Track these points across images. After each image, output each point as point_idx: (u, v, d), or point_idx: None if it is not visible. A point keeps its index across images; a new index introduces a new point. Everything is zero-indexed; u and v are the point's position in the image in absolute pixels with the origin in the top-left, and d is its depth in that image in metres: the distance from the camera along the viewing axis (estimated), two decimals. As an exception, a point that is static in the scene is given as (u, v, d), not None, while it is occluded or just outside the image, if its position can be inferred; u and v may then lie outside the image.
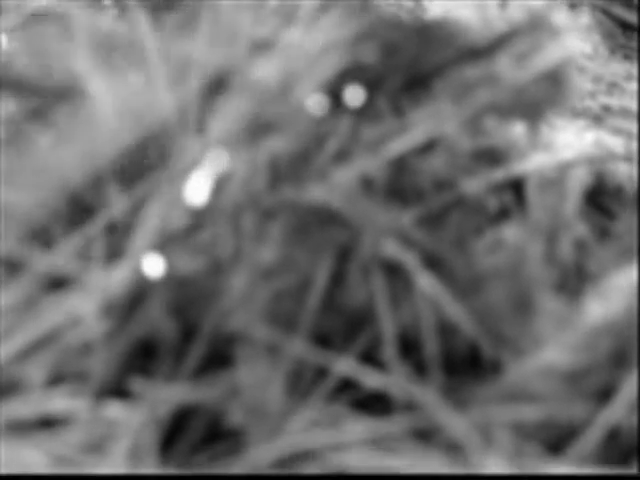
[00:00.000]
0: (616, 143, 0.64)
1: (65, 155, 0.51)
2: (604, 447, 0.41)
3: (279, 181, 0.40)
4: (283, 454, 0.39)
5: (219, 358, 0.42)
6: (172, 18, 0.53)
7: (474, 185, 0.46)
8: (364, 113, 0.41)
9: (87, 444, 0.36)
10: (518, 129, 0.47)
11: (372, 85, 0.40)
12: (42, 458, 0.36)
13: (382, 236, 0.42)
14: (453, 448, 0.39)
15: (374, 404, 0.42)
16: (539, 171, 0.50)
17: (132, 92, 0.51)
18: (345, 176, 0.41)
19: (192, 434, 0.41)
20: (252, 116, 0.37)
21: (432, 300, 0.41)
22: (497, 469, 0.38)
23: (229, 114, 0.38)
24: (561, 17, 0.44)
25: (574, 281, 0.49)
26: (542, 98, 0.42)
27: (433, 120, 0.41)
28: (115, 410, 0.38)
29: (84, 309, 0.41)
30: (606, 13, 0.80)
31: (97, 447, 0.36)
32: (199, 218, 0.39)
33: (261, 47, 0.50)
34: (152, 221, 0.42)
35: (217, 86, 0.51)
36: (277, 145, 0.38)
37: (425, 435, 0.39)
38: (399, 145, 0.42)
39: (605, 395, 0.42)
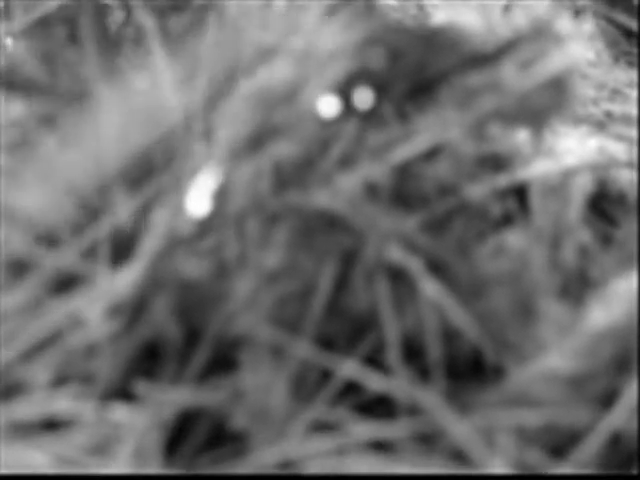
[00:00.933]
0: (619, 150, 0.64)
1: (72, 158, 0.51)
2: (606, 452, 0.41)
3: (284, 186, 0.40)
4: (286, 457, 0.39)
5: (223, 361, 0.42)
6: (179, 23, 0.53)
7: (478, 191, 0.46)
8: (369, 119, 0.41)
9: (91, 446, 0.36)
10: (521, 136, 0.47)
11: (378, 91, 0.40)
12: (46, 460, 0.36)
13: (386, 241, 0.42)
14: (456, 452, 0.39)
15: (377, 408, 0.42)
16: (542, 177, 0.50)
17: (139, 96, 0.52)
18: (350, 181, 0.41)
19: (196, 437, 0.41)
20: (258, 121, 0.37)
21: (436, 305, 0.41)
22: (499, 473, 0.38)
23: (235, 119, 0.38)
24: (565, 24, 0.44)
25: (577, 287, 0.48)
26: (546, 105, 0.42)
27: (438, 127, 0.41)
28: (120, 412, 0.38)
29: (90, 311, 0.41)
30: (609, 20, 0.80)
31: (101, 449, 0.36)
32: (204, 223, 0.39)
33: (267, 52, 0.50)
34: (159, 225, 0.42)
35: (224, 91, 0.51)
36: (282, 150, 0.38)
37: (428, 439, 0.39)
38: (404, 151, 0.42)
39: (607, 400, 0.42)
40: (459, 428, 0.38)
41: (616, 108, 0.73)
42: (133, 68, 0.52)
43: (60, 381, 0.39)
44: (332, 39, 0.37)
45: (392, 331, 0.42)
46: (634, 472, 0.41)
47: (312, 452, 0.39)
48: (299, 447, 0.39)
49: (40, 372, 0.39)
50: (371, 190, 0.43)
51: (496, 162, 0.50)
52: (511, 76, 0.41)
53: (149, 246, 0.39)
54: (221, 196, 0.39)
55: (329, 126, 0.40)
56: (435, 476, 0.39)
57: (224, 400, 0.40)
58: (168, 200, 0.44)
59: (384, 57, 0.38)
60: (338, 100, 0.38)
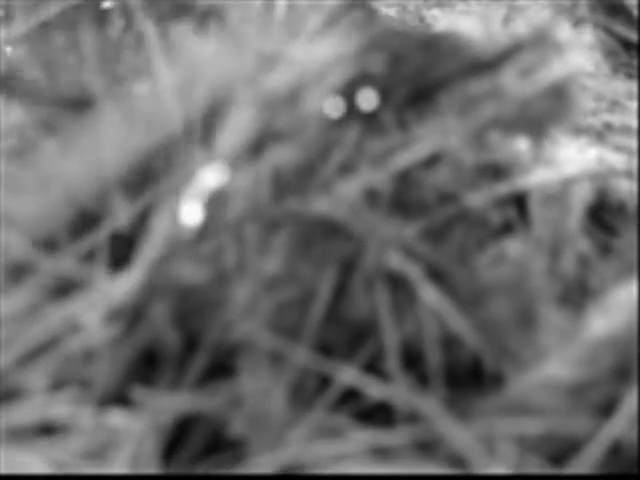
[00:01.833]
0: (618, 160, 0.64)
1: (71, 164, 0.51)
2: (606, 461, 0.40)
3: (283, 192, 0.40)
4: (285, 464, 0.39)
5: (222, 368, 0.41)
6: (179, 29, 0.53)
7: (478, 199, 0.46)
8: (369, 125, 0.41)
9: (89, 452, 0.36)
10: (521, 144, 0.47)
11: (378, 96, 0.40)
12: (43, 465, 0.35)
13: (386, 248, 0.42)
14: (455, 460, 0.39)
15: (376, 415, 0.41)
16: (542, 186, 0.50)
17: (139, 102, 0.51)
18: (349, 188, 0.41)
19: (194, 443, 0.40)
20: (259, 126, 0.37)
21: (435, 312, 0.41)
22: (498, 473, 0.38)
23: (236, 126, 0.38)
24: (565, 33, 0.44)
25: (577, 295, 0.48)
26: (546, 113, 0.42)
27: (438, 134, 0.41)
28: (117, 418, 0.38)
29: (88, 317, 0.40)
30: (608, 32, 0.80)
31: (99, 455, 0.36)
32: (204, 229, 0.39)
33: (268, 59, 0.50)
34: (158, 231, 0.41)
35: (224, 98, 0.51)
36: (282, 155, 0.38)
37: (428, 446, 0.39)
38: (404, 158, 0.42)
39: (607, 409, 0.42)
40: (459, 435, 0.38)
41: (615, 119, 0.73)
42: (133, 74, 0.52)
43: (58, 386, 0.39)
44: (333, 45, 0.37)
45: (391, 338, 0.42)
46: (634, 473, 0.41)
47: (311, 459, 0.39)
48: (298, 454, 0.39)
49: (38, 377, 0.39)
50: (371, 197, 0.42)
51: (496, 170, 0.50)
52: (511, 84, 0.41)
53: (148, 252, 0.38)
54: (220, 202, 0.39)
55: (330, 132, 0.40)
56: (434, 476, 0.39)
57: (222, 406, 0.39)
58: (167, 206, 0.44)
59: (385, 62, 0.38)
60: (341, 103, 0.38)
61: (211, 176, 0.39)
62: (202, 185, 0.39)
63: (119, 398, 0.39)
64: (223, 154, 0.39)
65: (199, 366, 0.41)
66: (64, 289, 0.44)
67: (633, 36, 0.81)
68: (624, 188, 0.59)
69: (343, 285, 0.43)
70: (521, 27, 0.43)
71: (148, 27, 0.51)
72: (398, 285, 0.43)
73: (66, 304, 0.42)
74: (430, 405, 0.39)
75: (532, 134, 0.43)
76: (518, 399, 0.40)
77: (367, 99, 0.38)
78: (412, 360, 0.42)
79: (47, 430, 0.38)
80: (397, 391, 0.40)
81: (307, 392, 0.41)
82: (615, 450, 0.41)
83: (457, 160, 0.45)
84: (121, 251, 0.45)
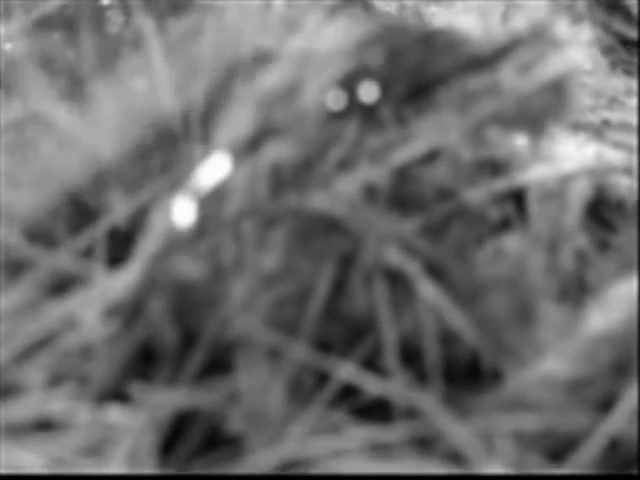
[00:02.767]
0: (616, 157, 0.64)
1: (69, 159, 0.50)
2: (604, 457, 0.40)
3: (281, 188, 0.40)
4: (283, 460, 0.39)
5: (220, 364, 0.41)
6: (178, 24, 0.52)
7: (476, 195, 0.46)
8: (368, 121, 0.41)
9: (86, 447, 0.36)
10: (520, 140, 0.47)
11: (377, 91, 0.39)
12: (41, 461, 0.35)
13: (384, 244, 0.42)
14: (453, 456, 0.38)
15: (374, 411, 0.41)
16: (540, 182, 0.50)
17: (137, 98, 0.51)
18: (348, 184, 0.41)
19: (192, 439, 0.40)
20: (257, 122, 0.37)
21: (433, 308, 0.41)
22: (498, 473, 0.38)
23: (234, 120, 0.38)
24: (563, 29, 0.44)
25: (575, 291, 0.48)
26: (544, 108, 0.42)
27: (436, 130, 0.41)
28: (115, 414, 0.38)
29: (86, 313, 0.40)
30: (606, 29, 0.80)
31: (96, 450, 0.36)
32: (201, 225, 0.39)
33: (266, 53, 0.50)
34: (156, 227, 0.41)
35: (222, 91, 0.51)
36: (281, 151, 0.38)
37: (425, 443, 0.39)
38: (402, 154, 0.41)
39: (605, 405, 0.42)
40: (457, 432, 0.38)
41: (613, 116, 0.73)
42: (132, 70, 0.52)
43: (55, 382, 0.38)
44: (331, 40, 0.37)
45: (390, 334, 0.41)
46: (634, 473, 0.41)
47: (309, 455, 0.39)
48: (296, 450, 0.39)
49: (35, 373, 0.39)
50: (369, 193, 0.42)
51: (494, 166, 0.49)
52: (509, 80, 0.41)
53: (146, 248, 0.38)
54: (218, 198, 0.39)
55: (328, 127, 0.40)
56: (432, 476, 0.39)
57: (220, 402, 0.39)
58: (165, 202, 0.44)
59: (383, 57, 0.38)
60: (339, 98, 0.37)
61: (209, 172, 0.38)
62: (200, 181, 0.39)
63: (117, 394, 0.39)
64: (221, 149, 0.39)
65: (197, 362, 0.41)
66: (62, 285, 0.44)
67: (631, 33, 0.81)
68: (623, 185, 0.58)
69: (341, 281, 0.43)
70: (519, 23, 0.43)
71: (147, 23, 0.51)
72: (396, 281, 0.42)
73: (64, 300, 0.42)
74: (428, 401, 0.39)
75: (530, 130, 0.43)
76: (516, 395, 0.40)
77: (367, 91, 0.37)
78: (410, 356, 0.42)
79: (45, 426, 0.38)
80: (395, 387, 0.40)
81: (305, 388, 0.41)
82: (613, 446, 0.41)
83: (455, 156, 0.45)
84: (119, 247, 0.45)
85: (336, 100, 0.37)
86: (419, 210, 0.45)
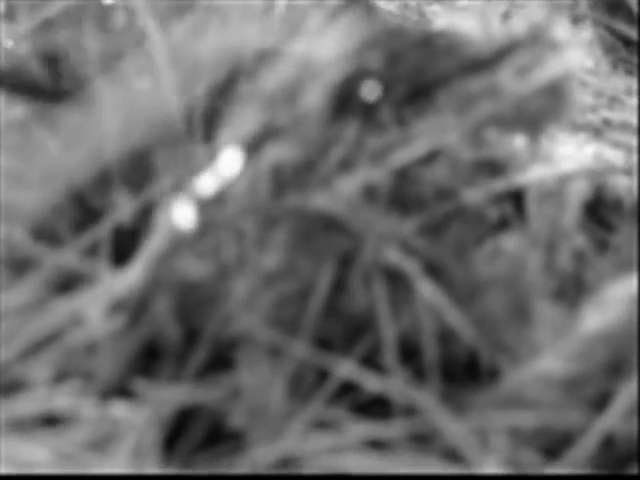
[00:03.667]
0: (616, 156, 0.65)
1: (73, 157, 0.52)
2: (599, 454, 0.41)
3: (283, 188, 0.41)
4: (284, 456, 0.40)
5: (222, 361, 0.42)
6: (181, 25, 0.54)
7: (475, 195, 0.47)
8: (368, 123, 0.42)
9: (91, 442, 0.37)
10: (519, 141, 0.48)
11: (377, 93, 0.41)
12: (46, 455, 0.36)
13: (384, 244, 0.43)
14: (451, 453, 0.40)
15: (374, 408, 0.42)
16: (539, 183, 0.51)
17: (140, 98, 0.52)
18: (348, 185, 0.42)
19: (194, 434, 0.41)
20: (259, 123, 0.38)
21: (432, 307, 0.42)
22: (496, 473, 0.39)
23: (237, 121, 0.39)
24: (562, 31, 0.45)
25: (572, 291, 0.49)
26: (543, 111, 0.43)
27: (436, 131, 0.42)
28: (119, 410, 0.39)
29: (91, 310, 0.41)
30: (608, 28, 0.81)
31: (101, 446, 0.37)
32: (204, 225, 0.40)
33: (268, 54, 0.51)
34: (160, 227, 0.42)
35: (225, 92, 0.52)
36: (282, 152, 0.39)
37: (424, 439, 0.40)
38: (402, 155, 0.42)
39: (601, 403, 0.43)
40: (454, 429, 0.39)
41: (614, 116, 0.74)
42: (135, 70, 0.53)
43: (61, 378, 0.40)
44: (332, 43, 0.38)
45: (389, 332, 0.43)
46: (630, 472, 0.42)
47: (309, 450, 0.40)
48: (296, 445, 0.40)
49: (41, 369, 0.40)
50: (369, 193, 0.43)
51: (493, 167, 0.51)
52: (508, 82, 0.42)
53: (150, 248, 0.39)
54: (220, 199, 0.40)
55: (329, 128, 0.41)
56: (430, 476, 0.40)
57: (222, 398, 0.41)
58: (168, 202, 0.45)
59: (383, 60, 0.39)
60: (340, 100, 0.39)
61: (213, 174, 0.40)
62: (204, 183, 0.40)
63: (121, 390, 0.40)
64: (226, 151, 0.40)
65: (199, 359, 0.42)
66: (67, 283, 0.45)
67: (633, 33, 0.82)
68: (621, 184, 0.59)
69: (341, 279, 0.44)
70: (518, 25, 0.44)
71: (150, 24, 0.52)
72: (396, 280, 0.44)
73: (69, 297, 0.43)
74: (426, 398, 0.40)
75: (529, 131, 0.44)
76: (513, 393, 0.41)
77: (368, 91, 0.38)
78: (409, 354, 0.43)
79: (50, 421, 0.39)
80: (394, 384, 0.41)
81: (305, 385, 0.42)
82: (608, 443, 0.42)
83: (455, 157, 0.46)
84: (124, 245, 0.46)
85: (335, 104, 0.38)
86: (418, 210, 0.46)
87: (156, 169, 0.51)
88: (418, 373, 0.43)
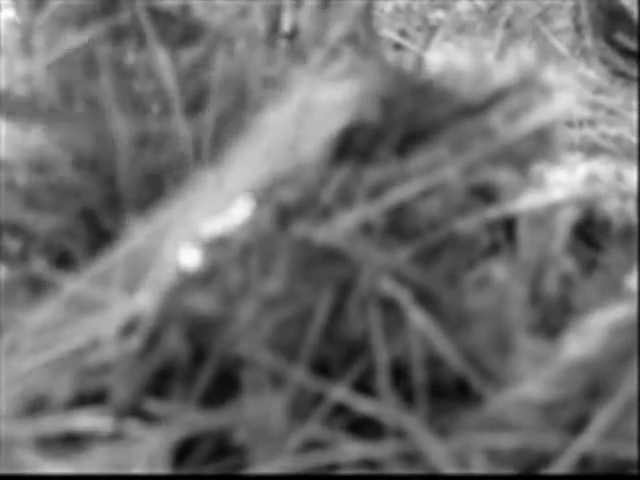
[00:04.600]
0: (609, 174, 0.69)
1: (86, 180, 0.56)
2: (576, 475, 0.46)
3: (285, 222, 0.46)
4: (283, 472, 0.45)
5: (228, 381, 0.47)
6: (189, 52, 0.58)
7: (467, 224, 0.52)
8: (366, 161, 0.46)
9: (108, 461, 0.42)
10: (509, 174, 0.53)
11: (373, 139, 0.45)
12: (66, 474, 0.42)
13: (379, 274, 0.48)
14: (435, 472, 0.45)
15: (366, 428, 0.48)
16: (530, 210, 0.56)
17: (151, 120, 0.57)
18: (347, 219, 0.47)
19: (201, 451, 0.46)
20: (263, 170, 0.43)
21: (422, 335, 0.47)
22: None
23: (242, 170, 0.44)
24: (552, 75, 0.49)
25: (557, 316, 0.54)
26: (531, 153, 0.47)
27: (431, 168, 0.47)
28: (133, 429, 0.44)
29: (106, 333, 0.46)
30: (608, 39, 0.85)
31: (117, 463, 0.42)
32: (210, 262, 0.45)
33: (272, 84, 0.56)
34: (170, 254, 0.47)
35: (231, 119, 0.57)
36: (284, 194, 0.44)
37: (411, 459, 0.45)
38: (398, 193, 0.47)
39: (578, 425, 0.48)
40: (437, 450, 0.44)
41: (611, 130, 0.79)
42: (146, 96, 0.58)
43: (79, 399, 0.45)
44: (330, 93, 0.42)
45: (382, 356, 0.48)
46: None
47: (306, 467, 0.45)
48: (294, 463, 0.45)
49: (61, 389, 0.45)
50: (366, 226, 0.48)
51: (485, 194, 0.55)
52: (499, 125, 0.46)
53: (159, 282, 0.44)
54: (226, 238, 0.45)
55: (328, 168, 0.45)
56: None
57: (228, 418, 0.46)
58: (179, 228, 0.50)
59: (379, 107, 0.43)
60: (337, 148, 0.43)
61: (219, 219, 0.44)
62: (209, 227, 0.44)
63: (135, 410, 0.45)
64: (231, 197, 0.45)
65: (207, 379, 0.47)
66: (83, 304, 0.50)
67: (633, 45, 0.86)
68: (611, 205, 0.64)
69: (339, 306, 0.49)
70: (509, 69, 0.48)
71: (161, 52, 0.56)
72: (389, 308, 0.48)
73: (85, 320, 0.48)
74: (414, 421, 0.45)
75: (518, 170, 0.48)
76: (495, 416, 0.46)
77: (365, 136, 0.43)
78: (400, 377, 0.48)
79: (69, 440, 0.44)
80: (385, 407, 0.46)
81: (303, 407, 0.47)
82: (584, 464, 0.47)
83: (448, 188, 0.51)
84: (136, 269, 0.51)
85: (335, 148, 0.43)
86: (412, 239, 0.51)
87: (165, 193, 0.55)
88: (408, 395, 0.48)
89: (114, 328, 0.47)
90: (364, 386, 0.48)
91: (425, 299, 0.50)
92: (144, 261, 0.49)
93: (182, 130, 0.56)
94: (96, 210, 0.55)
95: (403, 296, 0.48)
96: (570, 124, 0.57)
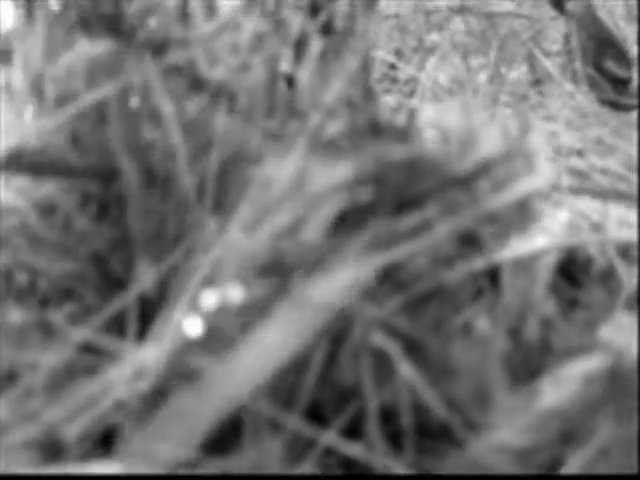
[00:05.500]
0: (594, 209, 0.74)
1: (95, 226, 0.62)
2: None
3: (284, 283, 0.52)
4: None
5: (229, 427, 0.54)
6: (194, 105, 0.63)
7: (454, 275, 0.58)
8: (360, 226, 0.52)
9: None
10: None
11: (365, 212, 0.51)
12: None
13: (370, 327, 0.54)
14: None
15: (358, 468, 0.54)
16: (514, 258, 0.61)
17: (157, 168, 0.63)
18: (341, 278, 0.53)
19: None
20: (264, 253, 0.49)
21: (410, 384, 0.53)
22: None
23: (247, 255, 0.50)
24: (536, 142, 0.55)
25: (537, 358, 0.60)
26: (512, 221, 0.53)
27: (422, 230, 0.53)
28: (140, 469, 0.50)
29: (118, 380, 0.52)
30: (597, 66, 0.90)
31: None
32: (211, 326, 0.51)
33: (272, 136, 0.61)
34: (181, 301, 0.53)
35: (232, 169, 0.62)
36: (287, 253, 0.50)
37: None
38: (389, 255, 0.53)
39: (551, 469, 0.54)
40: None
41: (598, 161, 0.84)
42: (153, 144, 0.63)
43: (93, 443, 0.51)
44: (326, 179, 0.48)
45: (372, 403, 0.54)
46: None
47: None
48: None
49: (76, 431, 0.51)
50: (359, 284, 0.54)
51: (471, 242, 0.61)
52: (484, 196, 0.52)
53: (161, 348, 0.50)
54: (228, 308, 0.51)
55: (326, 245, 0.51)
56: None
57: (230, 460, 0.52)
58: (188, 276, 0.55)
59: (372, 189, 0.49)
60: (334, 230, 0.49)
61: (219, 295, 0.50)
62: (208, 299, 0.50)
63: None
64: (229, 278, 0.50)
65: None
66: (95, 351, 0.55)
67: (622, 72, 0.91)
68: (592, 244, 0.70)
69: (333, 356, 0.55)
70: (495, 139, 0.53)
71: (166, 103, 0.61)
72: (380, 358, 0.55)
73: (97, 366, 0.54)
74: (400, 465, 0.52)
75: (499, 235, 0.54)
76: (474, 460, 0.53)
77: (359, 213, 0.49)
78: (389, 422, 0.55)
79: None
80: (373, 452, 0.52)
81: (298, 449, 0.53)
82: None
83: (437, 246, 0.57)
84: (147, 314, 0.57)
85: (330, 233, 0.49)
86: (400, 291, 0.56)
87: (170, 238, 0.61)
88: (395, 438, 0.55)
89: (127, 375, 0.53)
90: (355, 429, 0.54)
91: (412, 348, 0.56)
92: (153, 311, 0.55)
93: (185, 177, 0.62)
94: (106, 254, 0.61)
95: (393, 348, 0.54)
96: (555, 188, 0.63)
